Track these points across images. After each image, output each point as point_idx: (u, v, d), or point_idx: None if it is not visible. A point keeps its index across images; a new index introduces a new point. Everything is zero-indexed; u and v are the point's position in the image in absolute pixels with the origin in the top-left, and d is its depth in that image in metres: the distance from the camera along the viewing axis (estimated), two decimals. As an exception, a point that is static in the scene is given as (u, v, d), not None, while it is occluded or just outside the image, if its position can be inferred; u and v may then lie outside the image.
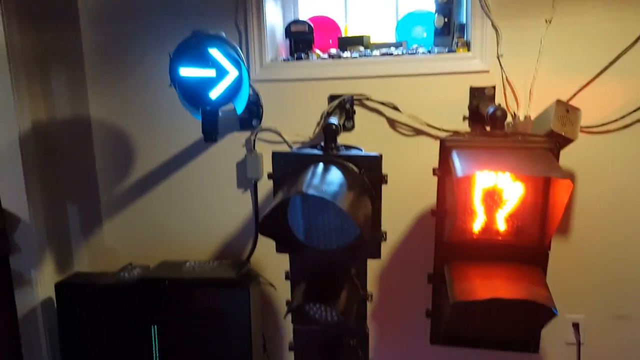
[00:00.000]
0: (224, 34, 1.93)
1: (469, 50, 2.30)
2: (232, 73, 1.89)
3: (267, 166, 2.49)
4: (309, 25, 2.53)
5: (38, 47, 2.50)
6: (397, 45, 2.54)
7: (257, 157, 2.49)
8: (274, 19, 2.55)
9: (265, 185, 2.54)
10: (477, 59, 2.27)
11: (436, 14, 2.42)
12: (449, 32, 2.43)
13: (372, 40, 2.62)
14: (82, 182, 2.67)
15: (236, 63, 1.89)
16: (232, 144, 2.53)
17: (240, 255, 2.63)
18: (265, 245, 2.52)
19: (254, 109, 2.44)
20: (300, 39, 2.53)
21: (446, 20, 2.41)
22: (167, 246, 2.67)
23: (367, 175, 1.83)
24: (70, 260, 2.66)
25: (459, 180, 1.70)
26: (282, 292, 2.56)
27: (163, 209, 2.66)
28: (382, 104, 2.34)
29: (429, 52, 2.36)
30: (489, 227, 1.90)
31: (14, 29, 2.35)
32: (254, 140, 2.49)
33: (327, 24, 2.70)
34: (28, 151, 2.42)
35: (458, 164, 1.72)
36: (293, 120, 2.46)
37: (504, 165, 1.76)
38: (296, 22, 2.55)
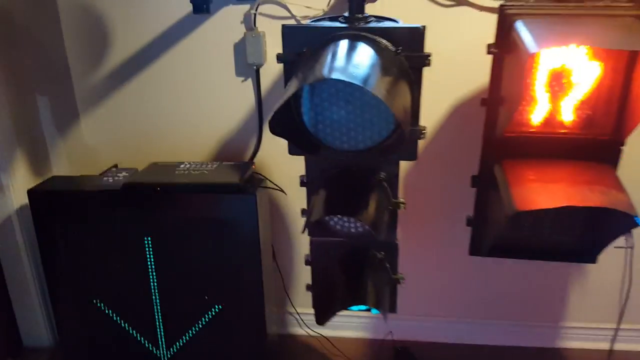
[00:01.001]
0: None
1: None
2: None
3: (271, 48, 2.08)
4: None
5: None
6: None
7: (259, 37, 2.06)
8: None
9: (269, 72, 2.13)
10: None
11: None
12: None
13: None
14: (51, 71, 2.24)
15: None
16: (228, 21, 2.08)
17: (242, 155, 2.28)
18: (272, 144, 2.18)
19: (254, -25, 1.97)
20: None
21: None
22: (157, 144, 2.31)
23: (406, 55, 1.43)
24: (47, 162, 2.31)
25: (531, 57, 1.31)
26: (293, 196, 2.25)
27: (149, 101, 2.26)
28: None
29: None
30: (552, 117, 1.54)
31: None
32: (255, 15, 2.04)
33: None
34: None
35: (529, 36, 1.32)
36: (302, -10, 2.00)
37: (589, 38, 1.35)
38: None
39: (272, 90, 2.17)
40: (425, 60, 1.43)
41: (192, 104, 2.24)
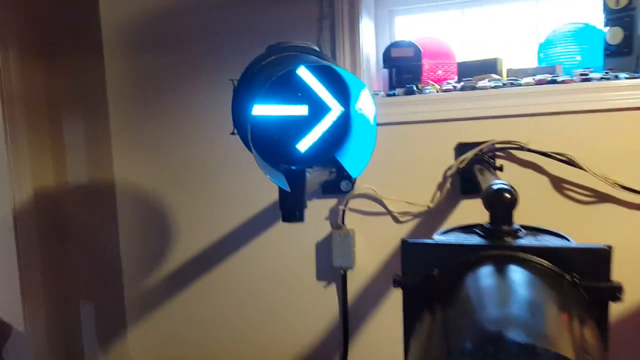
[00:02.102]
0: (316, 48, 1.20)
1: (678, 72, 1.50)
2: (333, 109, 1.14)
3: (361, 249, 1.73)
4: (416, 48, 1.79)
5: (46, 88, 1.85)
6: (543, 71, 1.77)
7: (348, 237, 1.71)
8: (368, 41, 1.83)
9: (358, 276, 1.75)
10: (694, 85, 1.47)
11: (608, 27, 1.65)
12: (630, 49, 1.65)
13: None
14: (101, 272, 1.94)
15: (339, 94, 1.14)
16: (310, 217, 1.74)
17: (321, 377, 1.81)
18: (359, 357, 1.72)
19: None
20: (405, 66, 1.79)
21: (626, 33, 1.64)
22: (217, 362, 1.89)
23: (585, 285, 1.01)
24: (82, 383, 1.90)
25: None
26: None
27: (210, 310, 1.88)
28: (546, 155, 1.54)
29: (615, 77, 1.57)
30: None
31: (12, 66, 1.71)
32: (344, 212, 1.72)
33: (435, 47, 1.95)
34: (26, 231, 1.74)
35: None
36: (401, 182, 1.69)
37: None
38: (398, 44, 1.81)
39: (360, 298, 1.77)
40: (616, 292, 1.00)
41: (260, 315, 1.85)
